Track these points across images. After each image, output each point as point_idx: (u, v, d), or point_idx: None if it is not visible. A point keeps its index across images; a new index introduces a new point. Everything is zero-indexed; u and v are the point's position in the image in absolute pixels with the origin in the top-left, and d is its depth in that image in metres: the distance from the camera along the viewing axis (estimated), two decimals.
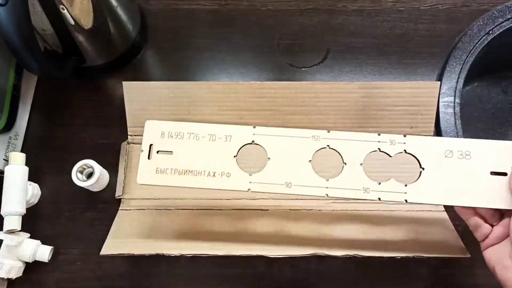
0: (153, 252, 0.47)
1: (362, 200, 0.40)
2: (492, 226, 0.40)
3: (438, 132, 0.53)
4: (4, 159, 0.53)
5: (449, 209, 0.51)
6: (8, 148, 0.54)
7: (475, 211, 0.40)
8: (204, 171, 0.42)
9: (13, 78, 0.55)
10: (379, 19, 0.61)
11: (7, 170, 0.50)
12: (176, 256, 0.47)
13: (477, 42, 0.55)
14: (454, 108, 0.53)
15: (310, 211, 0.51)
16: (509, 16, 0.55)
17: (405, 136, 0.42)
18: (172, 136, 0.43)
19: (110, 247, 0.47)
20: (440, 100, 0.53)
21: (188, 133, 0.43)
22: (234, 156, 0.42)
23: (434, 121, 0.52)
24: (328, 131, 0.42)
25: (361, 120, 0.52)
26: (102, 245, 0.48)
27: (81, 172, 0.50)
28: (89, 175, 0.50)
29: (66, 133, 0.57)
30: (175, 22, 0.62)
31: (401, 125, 0.52)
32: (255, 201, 0.52)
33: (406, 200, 0.40)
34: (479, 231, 0.40)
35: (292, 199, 0.52)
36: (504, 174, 0.39)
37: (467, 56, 0.55)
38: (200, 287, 0.51)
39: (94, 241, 0.50)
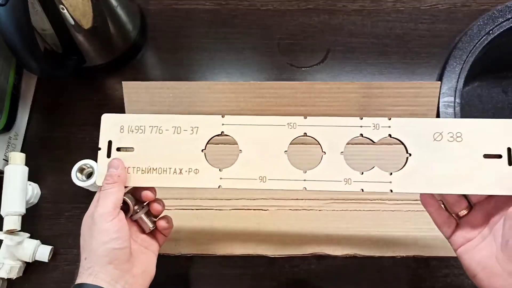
0: None
1: (343, 191, 0.37)
2: (459, 217, 0.37)
3: None
4: (4, 159, 0.53)
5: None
6: (8, 148, 0.54)
7: (443, 202, 0.37)
8: (170, 168, 0.38)
9: (13, 78, 0.55)
10: (379, 19, 0.61)
11: (7, 170, 0.50)
12: (175, 256, 0.48)
13: (477, 42, 0.55)
14: (455, 108, 0.53)
15: (310, 211, 0.51)
16: (509, 16, 0.55)
17: (390, 119, 0.38)
18: (132, 131, 0.39)
19: None
20: (440, 100, 0.53)
21: (150, 126, 0.39)
22: (202, 150, 0.38)
23: None
24: (305, 117, 0.38)
25: None
26: None
27: (81, 172, 0.50)
28: (89, 175, 0.50)
29: (66, 133, 0.57)
30: (175, 22, 0.62)
31: None
32: (255, 201, 0.52)
33: (391, 190, 0.36)
34: (444, 225, 0.37)
35: (292, 199, 0.52)
36: (499, 156, 0.36)
37: (467, 56, 0.54)
38: (200, 287, 0.51)
39: None
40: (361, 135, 0.37)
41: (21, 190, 0.50)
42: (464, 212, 0.37)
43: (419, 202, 0.51)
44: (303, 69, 0.59)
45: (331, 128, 0.38)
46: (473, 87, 0.63)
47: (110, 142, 0.39)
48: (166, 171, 0.38)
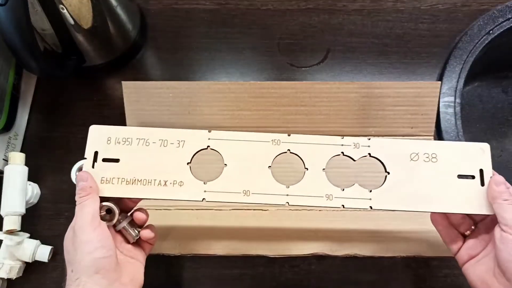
0: (152, 252, 0.47)
1: (324, 207, 0.39)
2: (464, 237, 0.39)
3: (438, 132, 0.53)
4: (3, 159, 0.53)
5: None
6: (8, 148, 0.54)
7: (449, 220, 0.39)
8: (154, 180, 0.38)
9: (12, 78, 0.55)
10: (379, 18, 0.60)
11: (7, 170, 0.50)
12: (176, 256, 0.48)
13: (478, 42, 0.55)
14: (455, 108, 0.53)
15: (310, 211, 0.51)
16: (509, 16, 0.55)
17: (369, 139, 0.40)
18: (119, 142, 0.39)
19: None
20: (440, 100, 0.53)
21: (137, 138, 0.39)
22: (188, 163, 0.39)
23: (434, 121, 0.52)
24: (289, 135, 0.40)
25: (361, 120, 0.52)
26: None
27: None
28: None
29: (66, 133, 0.57)
30: (175, 22, 0.62)
31: (402, 125, 0.52)
32: None
33: (371, 207, 0.38)
34: (452, 243, 0.39)
35: None
36: (472, 177, 0.38)
37: (467, 56, 0.55)
38: (200, 287, 0.51)
39: None
40: (342, 153, 0.40)
41: (21, 190, 0.50)
42: (468, 232, 0.39)
43: None
44: (303, 69, 0.59)
45: (314, 146, 0.40)
46: (473, 87, 0.63)
47: (96, 153, 0.39)
48: (150, 182, 0.38)
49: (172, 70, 0.60)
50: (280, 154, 0.40)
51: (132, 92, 0.53)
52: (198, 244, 0.47)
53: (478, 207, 0.37)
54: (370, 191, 0.38)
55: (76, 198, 0.37)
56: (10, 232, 0.48)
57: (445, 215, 0.40)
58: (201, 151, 0.40)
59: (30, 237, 0.51)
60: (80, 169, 0.48)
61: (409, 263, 0.49)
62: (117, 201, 0.39)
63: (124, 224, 0.39)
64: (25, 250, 0.49)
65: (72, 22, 0.50)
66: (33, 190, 0.52)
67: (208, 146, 0.40)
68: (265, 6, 0.62)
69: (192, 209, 0.51)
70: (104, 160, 0.39)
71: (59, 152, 0.56)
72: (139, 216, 0.40)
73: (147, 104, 0.53)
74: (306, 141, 0.40)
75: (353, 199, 0.38)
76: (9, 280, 0.50)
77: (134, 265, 0.39)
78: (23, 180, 0.50)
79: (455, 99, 0.53)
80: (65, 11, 0.48)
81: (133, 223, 0.40)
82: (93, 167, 0.39)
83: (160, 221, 0.50)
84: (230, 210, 0.51)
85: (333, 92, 0.52)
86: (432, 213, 0.40)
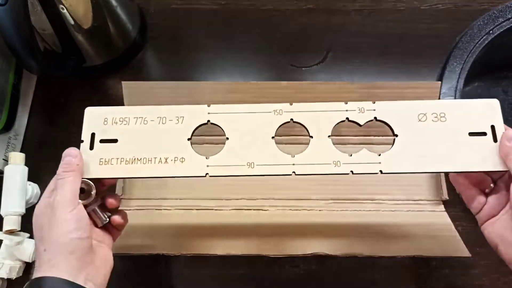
0: (152, 252, 0.47)
1: (333, 174, 0.36)
2: (486, 195, 0.38)
3: None
4: (3, 159, 0.53)
5: (449, 209, 0.51)
6: (8, 148, 0.54)
7: (470, 180, 0.38)
8: (155, 158, 0.37)
9: (12, 78, 0.55)
10: (379, 19, 0.61)
11: (7, 170, 0.50)
12: (176, 256, 0.48)
13: (478, 42, 0.55)
14: None
15: (310, 211, 0.51)
16: (509, 16, 0.55)
17: (374, 102, 0.38)
18: (116, 123, 0.38)
19: None
20: (440, 100, 0.53)
21: (134, 117, 0.38)
22: (188, 139, 0.37)
23: None
24: (291, 104, 0.38)
25: None
26: None
27: None
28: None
29: (66, 133, 0.57)
30: (175, 22, 0.62)
31: None
32: (255, 201, 0.52)
33: (381, 171, 0.36)
34: (474, 202, 0.38)
35: (292, 199, 0.52)
36: (483, 134, 0.36)
37: (467, 56, 0.54)
38: (200, 287, 0.51)
39: None
40: (347, 119, 0.38)
41: (21, 190, 0.50)
42: (488, 190, 0.38)
43: (419, 202, 0.51)
44: (303, 69, 0.59)
45: (317, 113, 0.38)
46: (473, 87, 0.63)
47: (93, 135, 0.38)
48: (151, 160, 0.37)
49: (172, 70, 0.60)
50: (283, 123, 0.38)
51: (132, 92, 0.53)
52: (198, 244, 0.47)
53: (493, 164, 0.35)
54: (379, 155, 0.37)
55: (59, 171, 0.36)
56: (10, 232, 0.48)
57: (465, 174, 0.38)
58: (201, 126, 0.38)
59: (30, 237, 0.51)
60: None
61: (409, 263, 0.50)
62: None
63: (95, 206, 0.37)
64: (25, 250, 0.49)
65: (72, 22, 0.50)
66: (33, 190, 0.52)
67: (208, 121, 0.38)
68: (265, 7, 0.62)
69: (192, 209, 0.51)
70: (102, 141, 0.38)
71: (59, 152, 0.55)
72: (111, 200, 0.39)
73: (147, 104, 0.53)
74: (309, 109, 0.38)
75: (362, 164, 0.36)
76: (9, 280, 0.50)
77: (104, 249, 0.37)
78: (23, 180, 0.50)
79: (455, 99, 0.53)
80: (65, 11, 0.48)
81: (103, 207, 0.39)
82: (91, 149, 0.38)
83: (160, 221, 0.51)
84: (230, 210, 0.51)
85: (333, 92, 0.52)
86: (451, 173, 0.38)
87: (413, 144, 0.36)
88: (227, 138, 0.38)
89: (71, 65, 0.55)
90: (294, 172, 0.36)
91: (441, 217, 0.50)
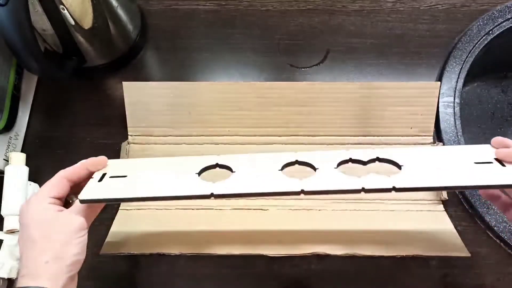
0: (153, 251, 0.47)
1: (343, 190, 0.35)
2: None
3: (438, 132, 0.53)
4: (4, 159, 0.53)
5: (449, 208, 0.51)
6: (8, 148, 0.54)
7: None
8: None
9: (13, 78, 0.55)
10: (378, 19, 0.61)
11: (7, 170, 0.50)
12: (176, 256, 0.48)
13: (477, 42, 0.55)
14: (454, 108, 0.53)
15: (310, 211, 0.51)
16: (509, 16, 0.56)
17: (374, 149, 0.39)
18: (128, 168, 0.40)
19: (110, 246, 0.48)
20: (440, 100, 0.53)
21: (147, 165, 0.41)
22: (196, 173, 0.38)
23: (434, 121, 0.52)
24: (296, 152, 0.39)
25: (361, 120, 0.52)
26: (102, 245, 0.48)
27: None
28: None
29: (66, 133, 0.57)
30: (175, 23, 0.62)
31: (401, 125, 0.52)
32: (255, 201, 0.52)
33: (394, 187, 0.35)
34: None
35: (292, 199, 0.52)
36: (489, 162, 0.36)
37: (466, 56, 0.55)
38: (200, 286, 0.51)
39: (94, 240, 0.50)
40: (350, 159, 0.39)
41: (22, 190, 0.50)
42: None
43: (419, 202, 0.51)
44: (303, 69, 0.59)
45: (321, 154, 0.39)
46: (472, 87, 0.63)
47: (104, 174, 0.39)
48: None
49: (172, 70, 0.60)
50: (288, 163, 0.39)
51: (133, 92, 0.53)
52: (198, 244, 0.47)
53: (505, 178, 0.35)
54: (389, 176, 0.36)
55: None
56: (11, 232, 0.48)
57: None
58: (210, 167, 0.40)
59: None
60: None
61: (409, 263, 0.50)
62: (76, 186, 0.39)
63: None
64: None
65: (72, 22, 0.50)
66: (34, 190, 0.52)
67: (216, 163, 0.40)
68: (265, 7, 0.62)
69: (192, 209, 0.51)
70: (112, 177, 0.39)
71: (60, 152, 0.56)
72: None
73: (147, 105, 0.53)
74: (313, 156, 0.39)
75: (373, 181, 0.35)
76: (9, 280, 0.50)
77: None
78: (23, 180, 0.50)
79: (454, 99, 0.53)
80: (65, 11, 0.48)
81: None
82: (99, 181, 0.39)
83: (160, 221, 0.51)
84: (230, 209, 0.51)
85: (333, 93, 0.52)
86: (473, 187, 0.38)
87: (421, 168, 0.37)
88: (233, 172, 0.38)
89: (71, 65, 0.55)
90: (302, 190, 0.35)
91: (440, 217, 0.50)
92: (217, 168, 0.39)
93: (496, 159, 0.36)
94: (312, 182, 0.36)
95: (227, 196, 0.36)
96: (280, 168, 0.38)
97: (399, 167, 0.37)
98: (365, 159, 0.38)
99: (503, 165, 0.36)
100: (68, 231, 0.35)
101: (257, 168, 0.38)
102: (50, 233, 0.35)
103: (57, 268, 0.34)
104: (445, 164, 0.37)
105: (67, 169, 0.38)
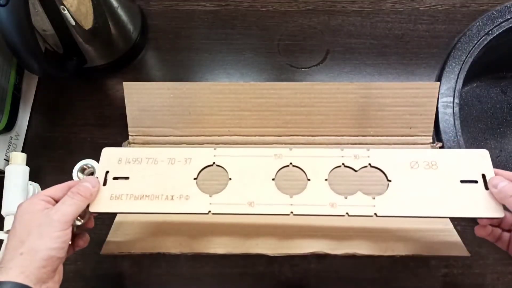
0: (153, 251, 0.47)
1: (329, 215, 0.39)
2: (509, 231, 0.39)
3: (437, 132, 0.53)
4: (5, 159, 0.54)
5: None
6: (9, 148, 0.54)
7: (487, 226, 0.39)
8: (162, 195, 0.40)
9: (14, 78, 0.55)
10: (378, 19, 0.61)
11: (8, 170, 0.50)
12: (176, 255, 0.48)
13: (476, 42, 0.55)
14: (453, 108, 0.53)
15: None
16: (508, 17, 0.56)
17: (368, 150, 0.41)
18: (129, 162, 0.41)
19: (111, 246, 0.48)
20: (439, 100, 0.53)
21: (146, 158, 0.42)
22: (194, 179, 0.41)
23: (433, 121, 0.52)
24: (290, 149, 0.42)
25: (361, 120, 0.52)
26: (103, 245, 0.48)
27: (82, 172, 0.50)
28: (90, 175, 0.50)
29: (67, 133, 0.57)
30: (175, 23, 0.62)
31: (400, 126, 0.52)
32: None
33: (375, 214, 0.38)
34: (501, 243, 0.40)
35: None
36: (475, 181, 0.38)
37: (466, 57, 0.55)
38: (200, 286, 0.51)
39: (94, 240, 0.50)
40: (343, 164, 0.41)
41: (22, 190, 0.50)
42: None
43: None
44: (302, 69, 0.59)
45: (315, 158, 0.41)
46: (472, 87, 0.63)
47: (107, 173, 0.41)
48: (158, 197, 0.40)
49: (172, 71, 0.60)
50: (282, 167, 0.41)
51: (133, 92, 0.53)
52: (198, 243, 0.48)
53: (485, 210, 0.37)
54: (374, 198, 0.39)
55: (74, 190, 0.38)
56: None
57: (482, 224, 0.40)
58: (207, 167, 0.41)
59: None
60: (82, 169, 0.49)
61: (408, 262, 0.50)
62: None
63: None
64: None
65: (73, 23, 0.50)
66: (34, 190, 0.52)
67: (213, 163, 0.41)
68: (265, 8, 0.62)
69: None
70: (115, 178, 0.41)
71: (60, 152, 0.56)
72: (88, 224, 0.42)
73: (148, 105, 0.53)
74: (307, 154, 0.41)
75: (357, 206, 0.39)
76: None
77: (61, 265, 0.38)
78: (24, 180, 0.50)
79: (453, 99, 0.53)
80: (66, 11, 0.48)
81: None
82: (104, 185, 0.40)
83: (160, 221, 0.51)
84: None
85: (333, 93, 0.52)
86: (475, 228, 0.40)
87: (407, 189, 0.39)
88: (230, 179, 0.41)
89: (72, 65, 0.55)
90: (292, 212, 0.39)
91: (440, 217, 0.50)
92: (214, 165, 0.42)
93: (483, 176, 0.38)
94: (301, 200, 0.39)
95: (223, 214, 0.39)
96: (273, 177, 0.40)
97: (388, 180, 0.39)
98: (357, 167, 0.40)
99: (487, 188, 0.37)
100: (47, 223, 0.35)
101: (252, 174, 0.41)
102: (30, 225, 0.35)
103: (30, 261, 0.33)
104: (431, 182, 0.38)
105: (75, 182, 0.39)
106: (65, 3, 0.47)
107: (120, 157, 0.42)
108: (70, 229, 0.36)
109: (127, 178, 0.41)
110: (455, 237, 0.47)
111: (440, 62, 0.57)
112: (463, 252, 0.46)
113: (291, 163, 0.41)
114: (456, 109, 0.53)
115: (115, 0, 0.53)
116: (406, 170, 0.39)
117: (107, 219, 0.50)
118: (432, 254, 0.46)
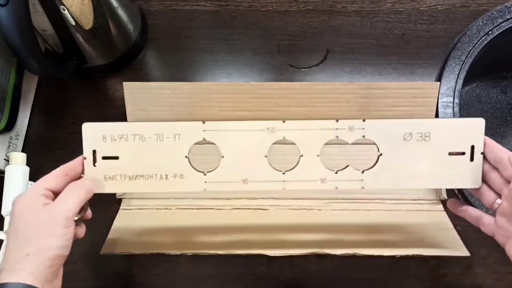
0: (153, 251, 0.47)
1: (319, 190, 0.40)
2: (494, 210, 0.38)
3: None
4: (5, 159, 0.54)
5: (448, 208, 0.51)
6: (9, 148, 0.54)
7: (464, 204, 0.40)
8: (156, 174, 0.39)
9: (14, 78, 0.55)
10: (378, 19, 0.61)
11: (8, 170, 0.50)
12: (176, 255, 0.48)
13: (476, 42, 0.55)
14: (453, 109, 0.53)
15: (309, 210, 0.51)
16: (509, 17, 0.56)
17: (364, 120, 0.41)
18: (115, 139, 0.40)
19: (111, 246, 0.48)
20: (439, 100, 0.53)
21: (132, 134, 0.40)
22: (186, 156, 0.40)
23: None
24: (283, 121, 0.41)
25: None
26: (103, 245, 0.48)
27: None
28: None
29: (67, 133, 0.57)
30: (175, 23, 0.62)
31: None
32: (255, 201, 0.52)
33: (362, 187, 0.40)
34: (482, 225, 0.39)
35: (292, 198, 0.52)
36: (462, 153, 0.39)
37: (466, 57, 0.55)
38: (200, 286, 0.51)
39: (94, 240, 0.50)
40: (337, 137, 0.41)
41: (22, 190, 0.50)
42: (496, 204, 0.38)
43: (418, 202, 0.51)
44: (302, 69, 0.59)
45: (309, 131, 0.41)
46: (472, 88, 0.63)
47: (94, 151, 0.40)
48: (152, 177, 0.40)
49: (173, 71, 0.60)
50: (275, 142, 0.41)
51: (133, 92, 0.53)
52: (198, 243, 0.48)
53: (466, 182, 0.38)
54: (362, 172, 0.40)
55: (74, 184, 0.37)
56: None
57: (460, 203, 0.41)
58: (197, 144, 0.40)
59: None
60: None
61: (408, 262, 0.50)
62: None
63: None
64: None
65: (73, 23, 0.50)
66: None
67: (203, 139, 0.41)
68: (265, 8, 0.62)
69: (192, 209, 0.52)
70: (104, 158, 0.39)
71: (60, 152, 0.56)
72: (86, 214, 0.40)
73: (148, 105, 0.53)
74: (301, 127, 0.41)
75: (346, 181, 0.40)
76: None
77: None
78: (24, 180, 0.50)
79: (453, 99, 0.53)
80: (66, 12, 0.48)
81: None
82: (94, 165, 0.39)
83: (161, 221, 0.51)
84: (230, 209, 0.51)
85: (333, 93, 0.52)
86: (448, 201, 0.42)
87: (394, 163, 0.39)
88: (223, 156, 0.40)
89: (72, 65, 0.55)
90: (284, 188, 0.40)
91: (440, 217, 0.50)
92: (204, 142, 0.41)
93: (471, 147, 0.38)
94: (293, 176, 0.40)
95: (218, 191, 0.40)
96: (266, 153, 0.40)
97: (379, 152, 0.40)
98: (351, 138, 0.40)
99: (472, 159, 0.38)
100: (52, 222, 0.34)
101: (245, 150, 0.40)
102: (34, 223, 0.34)
103: (38, 261, 0.33)
104: (420, 155, 0.39)
105: (67, 164, 0.38)
106: (65, 3, 0.47)
107: (104, 134, 0.40)
108: (74, 224, 0.35)
109: (116, 157, 0.39)
110: (455, 237, 0.47)
111: (440, 62, 0.57)
112: (463, 252, 0.46)
113: (284, 137, 0.41)
114: (456, 109, 0.53)
115: (115, 0, 0.53)
116: (398, 142, 0.40)
117: (107, 219, 0.51)
118: (432, 254, 0.46)
